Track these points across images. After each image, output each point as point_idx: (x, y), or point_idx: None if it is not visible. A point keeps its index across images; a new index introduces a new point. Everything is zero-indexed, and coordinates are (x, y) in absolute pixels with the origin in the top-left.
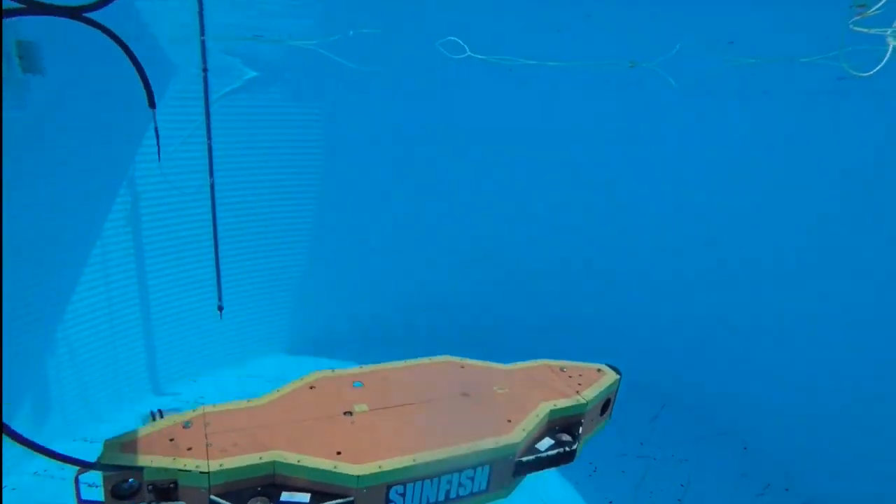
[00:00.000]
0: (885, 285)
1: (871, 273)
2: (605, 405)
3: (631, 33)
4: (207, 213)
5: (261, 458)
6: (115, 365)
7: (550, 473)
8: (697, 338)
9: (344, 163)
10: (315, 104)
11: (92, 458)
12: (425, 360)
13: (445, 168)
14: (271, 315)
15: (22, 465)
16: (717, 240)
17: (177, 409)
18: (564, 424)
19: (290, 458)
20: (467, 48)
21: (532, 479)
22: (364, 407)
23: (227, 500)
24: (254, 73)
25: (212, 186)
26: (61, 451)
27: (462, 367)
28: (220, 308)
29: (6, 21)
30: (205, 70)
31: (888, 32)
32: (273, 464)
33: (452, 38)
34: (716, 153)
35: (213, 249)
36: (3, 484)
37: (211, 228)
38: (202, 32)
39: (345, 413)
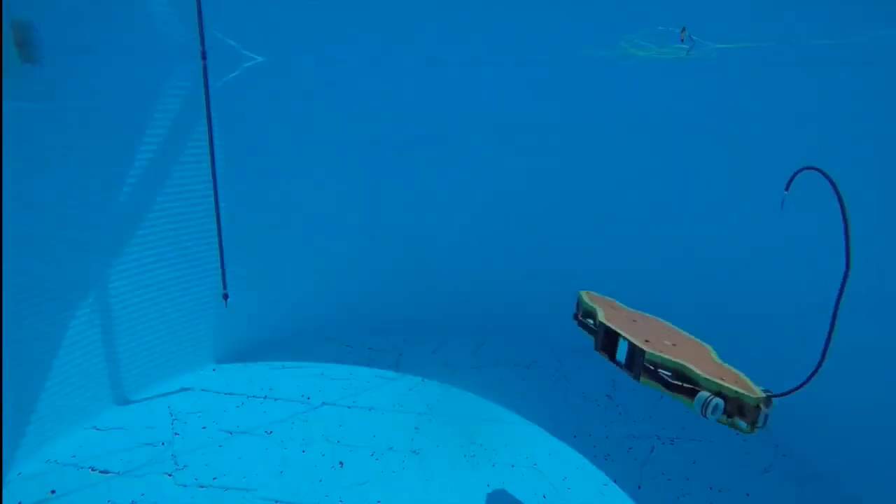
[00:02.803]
0: None
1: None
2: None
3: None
4: (211, 214)
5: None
6: (120, 355)
7: (569, 453)
8: (702, 318)
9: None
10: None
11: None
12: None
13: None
14: (271, 311)
15: (36, 453)
16: (727, 222)
17: None
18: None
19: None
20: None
21: (538, 463)
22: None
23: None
24: (257, 59)
25: (214, 179)
26: (72, 441)
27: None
28: (226, 296)
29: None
30: (204, 57)
31: None
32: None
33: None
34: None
35: (216, 246)
36: (5, 481)
37: (214, 226)
38: (199, 19)
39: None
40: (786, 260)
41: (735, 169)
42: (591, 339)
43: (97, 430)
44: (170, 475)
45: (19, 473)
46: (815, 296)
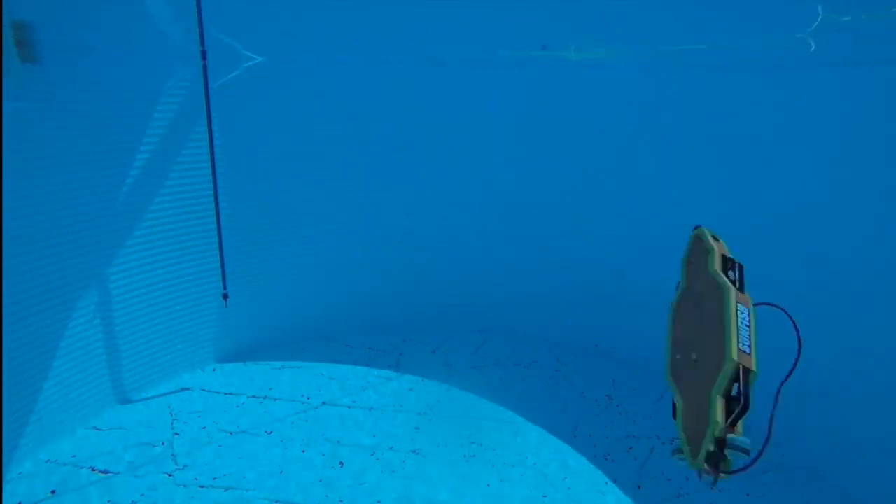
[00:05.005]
0: None
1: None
2: None
3: None
4: (211, 214)
5: None
6: (120, 355)
7: (569, 453)
8: None
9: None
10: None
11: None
12: None
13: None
14: (271, 311)
15: (36, 453)
16: (728, 221)
17: None
18: None
19: None
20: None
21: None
22: None
23: None
24: (257, 59)
25: (214, 179)
26: (72, 441)
27: None
28: (226, 296)
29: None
30: (204, 57)
31: None
32: None
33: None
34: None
35: (216, 246)
36: (5, 481)
37: (214, 226)
38: (199, 19)
39: None
40: (784, 259)
41: (735, 168)
42: (591, 340)
43: (97, 430)
44: (170, 475)
45: (19, 473)
46: (811, 296)
